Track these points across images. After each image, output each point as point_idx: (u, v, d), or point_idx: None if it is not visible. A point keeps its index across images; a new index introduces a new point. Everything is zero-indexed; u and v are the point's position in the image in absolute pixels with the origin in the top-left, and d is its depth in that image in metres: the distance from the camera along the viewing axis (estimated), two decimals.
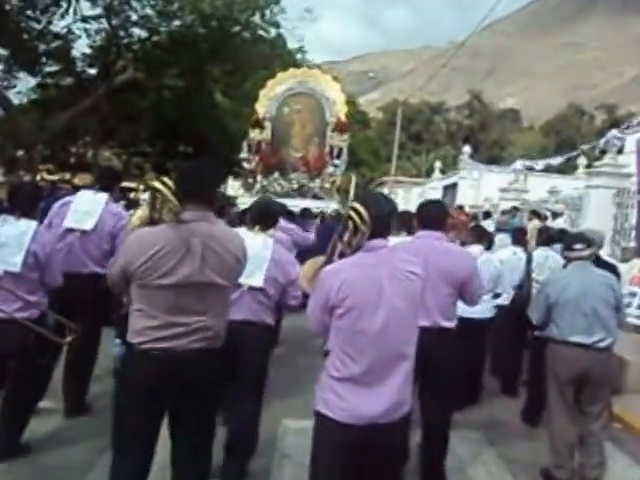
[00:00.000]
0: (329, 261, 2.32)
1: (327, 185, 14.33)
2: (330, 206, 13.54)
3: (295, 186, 13.98)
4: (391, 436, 2.21)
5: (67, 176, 20.76)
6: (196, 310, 2.33)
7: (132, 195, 15.57)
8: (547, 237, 5.85)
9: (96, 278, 3.80)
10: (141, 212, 2.98)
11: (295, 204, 10.42)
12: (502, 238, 7.14)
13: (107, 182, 4.22)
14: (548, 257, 5.53)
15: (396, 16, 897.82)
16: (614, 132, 11.69)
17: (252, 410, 3.39)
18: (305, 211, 8.77)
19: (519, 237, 5.94)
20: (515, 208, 12.09)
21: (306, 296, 2.56)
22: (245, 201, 11.25)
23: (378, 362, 2.16)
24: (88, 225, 3.92)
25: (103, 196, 4.06)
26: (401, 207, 5.62)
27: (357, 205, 2.23)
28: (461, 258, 3.40)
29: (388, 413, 2.16)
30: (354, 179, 27.93)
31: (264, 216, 3.65)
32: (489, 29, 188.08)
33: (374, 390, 2.15)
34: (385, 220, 2.27)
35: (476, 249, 5.02)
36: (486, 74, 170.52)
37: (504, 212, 11.18)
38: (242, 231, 3.32)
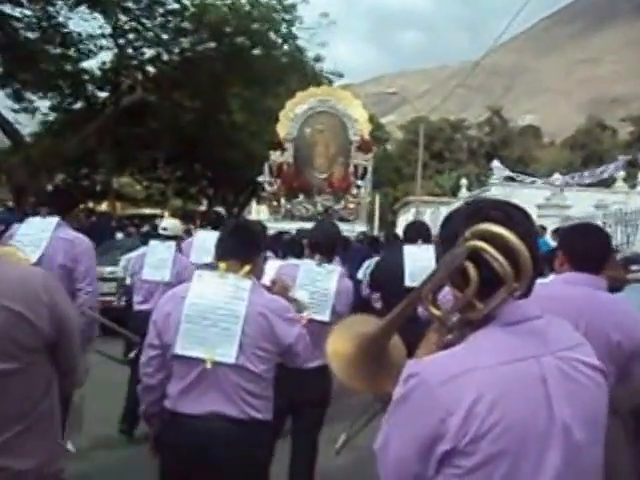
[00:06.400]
0: (388, 331, 1.20)
1: (352, 206, 13.54)
2: (356, 229, 12.75)
3: (320, 209, 13.23)
4: None
5: (90, 204, 20.44)
6: None
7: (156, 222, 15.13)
8: None
9: None
10: None
11: None
12: None
13: (60, 204, 3.36)
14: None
15: (410, 37, 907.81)
16: None
17: None
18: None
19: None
20: (542, 227, 11.07)
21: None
22: (273, 226, 10.51)
23: None
24: (31, 258, 3.06)
25: (52, 221, 3.22)
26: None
27: (498, 229, 1.06)
28: (632, 318, 2.14)
29: None
30: (378, 199, 27.14)
31: (239, 245, 2.30)
32: (504, 47, 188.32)
33: None
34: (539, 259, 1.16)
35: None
36: (503, 92, 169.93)
37: None
38: (212, 275, 2.23)
